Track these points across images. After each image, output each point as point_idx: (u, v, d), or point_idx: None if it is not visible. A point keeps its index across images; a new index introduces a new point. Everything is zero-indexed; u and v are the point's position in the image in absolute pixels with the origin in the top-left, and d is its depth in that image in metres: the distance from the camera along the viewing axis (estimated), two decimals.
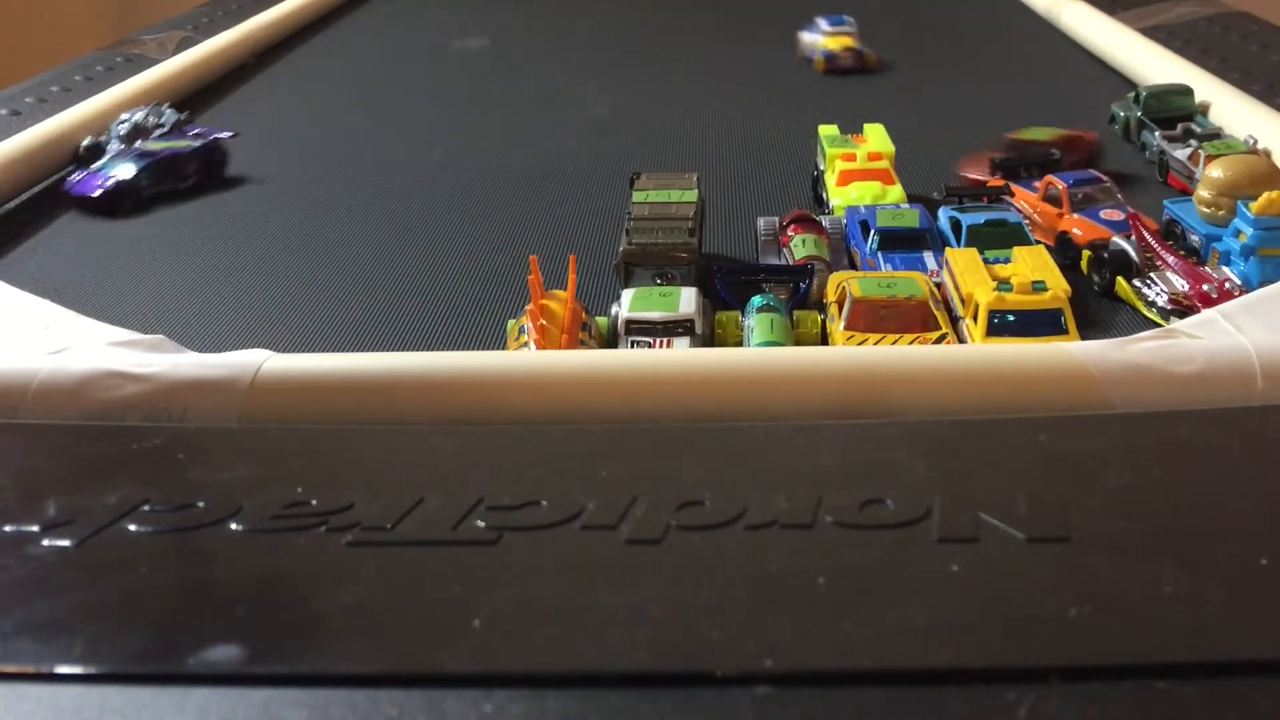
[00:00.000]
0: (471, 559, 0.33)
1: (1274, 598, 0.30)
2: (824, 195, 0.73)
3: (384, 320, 0.62)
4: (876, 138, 0.76)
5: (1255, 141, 0.74)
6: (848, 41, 1.09)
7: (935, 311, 0.54)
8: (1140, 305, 0.58)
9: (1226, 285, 0.56)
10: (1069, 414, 0.42)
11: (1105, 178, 0.69)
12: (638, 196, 0.66)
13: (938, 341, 0.52)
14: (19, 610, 0.31)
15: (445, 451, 0.40)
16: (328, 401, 0.46)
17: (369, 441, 0.41)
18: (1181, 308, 0.55)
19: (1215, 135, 0.76)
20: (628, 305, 0.56)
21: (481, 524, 0.34)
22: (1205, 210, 0.62)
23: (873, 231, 0.64)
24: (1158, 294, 0.57)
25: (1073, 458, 0.37)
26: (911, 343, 0.52)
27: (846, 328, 0.54)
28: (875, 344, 0.52)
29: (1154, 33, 1.07)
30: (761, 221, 0.68)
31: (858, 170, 0.72)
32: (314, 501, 0.35)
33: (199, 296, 0.66)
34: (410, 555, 0.33)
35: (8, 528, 0.35)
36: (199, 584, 0.33)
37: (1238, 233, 0.58)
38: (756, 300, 0.56)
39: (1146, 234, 0.61)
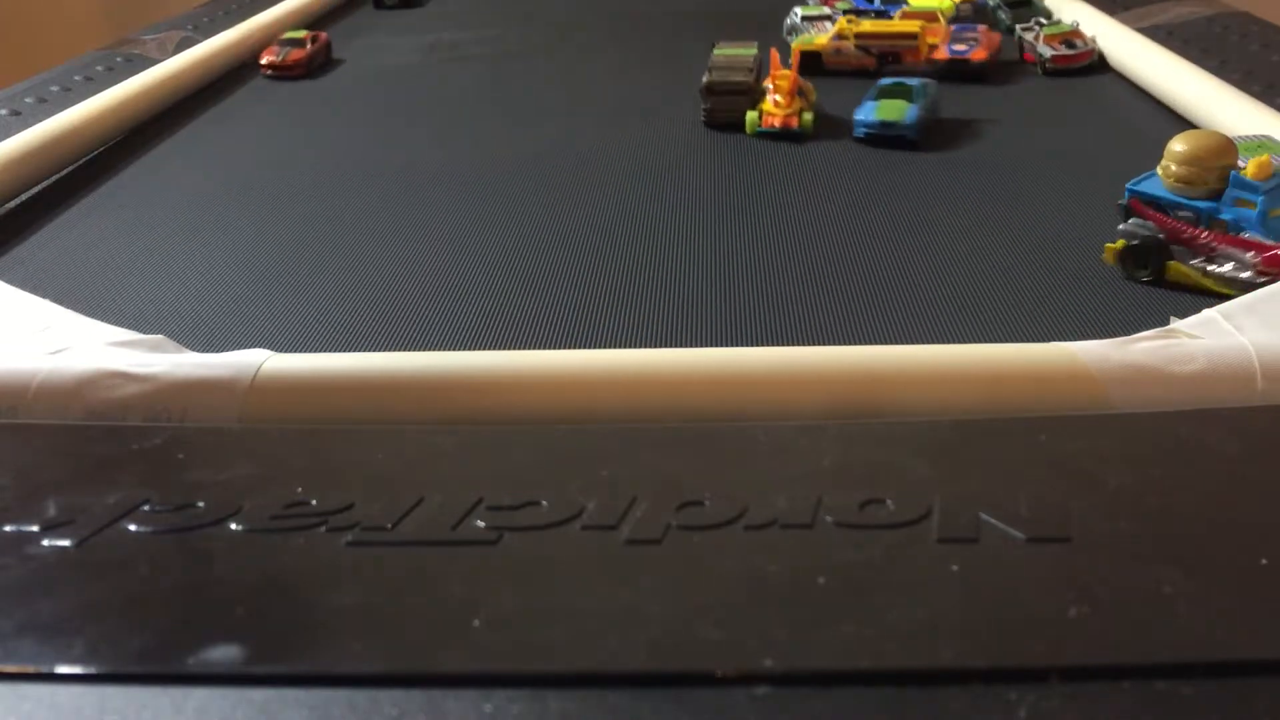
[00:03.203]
0: (471, 559, 0.33)
1: (1274, 598, 0.30)
2: None
3: (384, 320, 0.62)
4: None
5: (1078, 24, 1.07)
6: None
7: None
8: (1209, 283, 0.59)
9: None
10: (1069, 414, 0.42)
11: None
12: (717, 53, 0.95)
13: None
14: (19, 610, 0.31)
15: (445, 451, 0.40)
16: (328, 401, 0.46)
17: (369, 441, 0.41)
18: (1267, 271, 0.57)
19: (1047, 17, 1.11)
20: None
21: (481, 524, 0.34)
22: (1172, 183, 0.62)
23: None
24: (1235, 269, 0.58)
25: (1073, 458, 0.37)
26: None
27: None
28: None
29: (1154, 33, 1.07)
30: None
31: None
32: (314, 501, 0.35)
33: (199, 296, 0.66)
34: (410, 555, 0.33)
35: (8, 528, 0.35)
36: (199, 584, 0.33)
37: (1236, 201, 0.60)
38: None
39: (1164, 221, 0.61)
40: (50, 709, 0.27)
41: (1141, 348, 0.45)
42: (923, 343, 0.48)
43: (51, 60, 1.17)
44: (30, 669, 0.28)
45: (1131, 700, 0.26)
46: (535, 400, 0.45)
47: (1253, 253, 0.58)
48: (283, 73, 1.14)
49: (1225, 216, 0.60)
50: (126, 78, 1.01)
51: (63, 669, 0.28)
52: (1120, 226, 0.62)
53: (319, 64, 1.18)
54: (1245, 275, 0.57)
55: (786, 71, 0.88)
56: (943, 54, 1.02)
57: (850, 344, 0.49)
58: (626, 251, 0.69)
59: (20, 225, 0.77)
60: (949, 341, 0.50)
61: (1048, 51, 1.04)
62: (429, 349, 0.57)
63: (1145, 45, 1.01)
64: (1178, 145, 0.62)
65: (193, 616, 0.31)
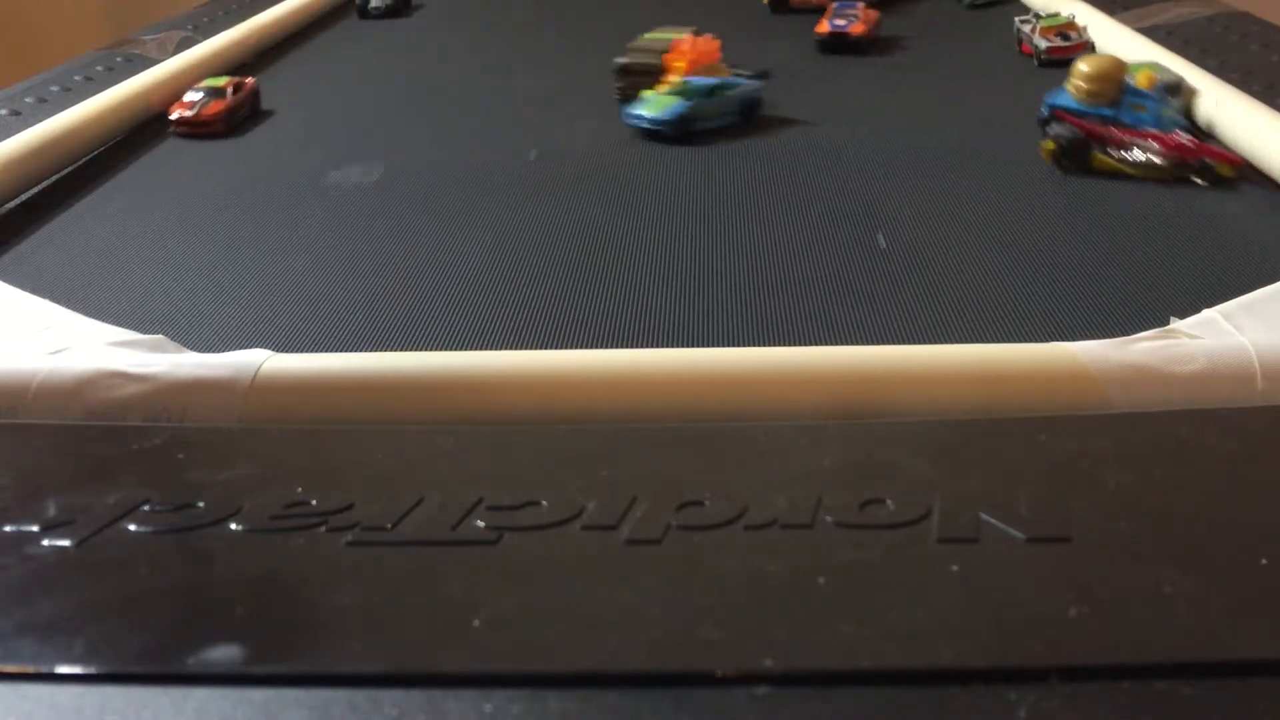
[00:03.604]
0: (471, 559, 0.33)
1: (1274, 598, 0.30)
2: None
3: (384, 320, 0.62)
4: None
5: (1074, 16, 1.10)
6: None
7: None
8: (1126, 168, 0.74)
9: (1179, 137, 0.74)
10: (1069, 414, 0.42)
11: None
12: (646, 36, 1.02)
13: None
14: (19, 610, 0.31)
15: (445, 451, 0.40)
16: (328, 401, 0.46)
17: (369, 441, 0.41)
18: (1170, 154, 0.73)
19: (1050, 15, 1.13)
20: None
21: (481, 524, 0.34)
22: (1082, 97, 0.79)
23: None
24: (1147, 156, 0.74)
25: (1073, 458, 0.37)
26: None
27: None
28: None
29: (1154, 33, 1.06)
30: None
31: None
32: (314, 501, 0.35)
33: (199, 296, 0.66)
34: (410, 555, 0.33)
35: (8, 528, 0.35)
36: (199, 584, 0.33)
37: (1134, 106, 0.77)
38: None
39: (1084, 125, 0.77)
40: (50, 709, 0.27)
41: (1141, 348, 0.45)
42: (922, 343, 0.48)
43: (51, 60, 1.17)
44: (30, 669, 0.28)
45: (1131, 700, 0.26)
46: (535, 400, 0.45)
47: (1161, 144, 0.74)
48: (197, 129, 0.94)
49: (1125, 119, 0.77)
50: (126, 78, 1.01)
51: (63, 669, 0.28)
52: (1049, 130, 0.77)
53: (243, 116, 0.98)
54: (1159, 161, 0.73)
55: (686, 52, 0.96)
56: (824, 28, 1.13)
57: (849, 344, 0.49)
58: (625, 251, 0.69)
59: (20, 225, 0.77)
60: (949, 341, 0.50)
61: (1043, 43, 1.06)
62: (429, 349, 0.57)
63: (1145, 45, 1.01)
64: (1084, 66, 0.80)
65: (193, 616, 0.31)
